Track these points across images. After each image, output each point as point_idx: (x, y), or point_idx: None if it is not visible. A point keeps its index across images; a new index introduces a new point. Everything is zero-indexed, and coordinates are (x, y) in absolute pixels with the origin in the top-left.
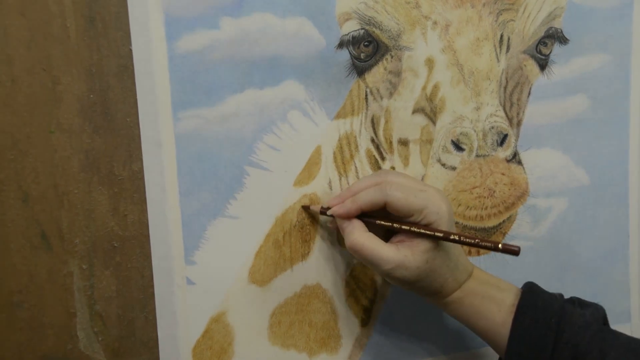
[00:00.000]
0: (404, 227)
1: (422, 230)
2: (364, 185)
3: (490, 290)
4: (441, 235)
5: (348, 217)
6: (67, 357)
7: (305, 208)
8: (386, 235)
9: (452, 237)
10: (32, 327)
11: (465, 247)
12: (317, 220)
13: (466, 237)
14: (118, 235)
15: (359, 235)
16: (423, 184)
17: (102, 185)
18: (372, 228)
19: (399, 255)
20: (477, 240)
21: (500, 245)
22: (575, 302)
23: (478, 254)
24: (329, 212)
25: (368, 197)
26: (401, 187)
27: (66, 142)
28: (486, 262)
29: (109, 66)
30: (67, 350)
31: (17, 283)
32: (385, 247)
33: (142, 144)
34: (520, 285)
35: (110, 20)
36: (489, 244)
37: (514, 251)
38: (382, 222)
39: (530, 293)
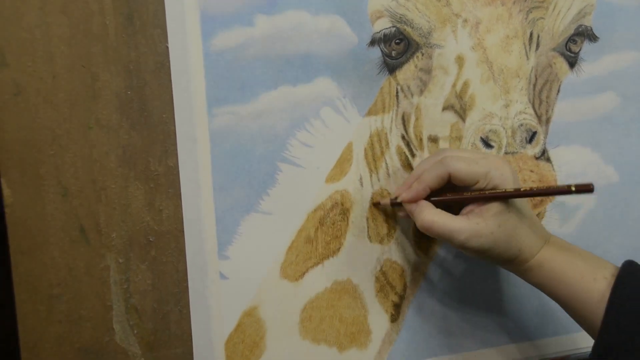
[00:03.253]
0: (471, 195)
1: (490, 193)
2: (426, 166)
3: (570, 257)
4: (511, 192)
5: (417, 198)
6: (104, 349)
7: (376, 204)
8: (455, 212)
9: (521, 191)
10: (70, 320)
11: None
12: (348, 216)
13: (535, 188)
14: (153, 229)
15: (427, 213)
16: (482, 152)
17: (139, 181)
18: (441, 208)
19: (470, 223)
20: (547, 188)
21: (573, 187)
22: None
23: None
24: (399, 199)
25: (432, 174)
26: (461, 158)
27: (104, 138)
28: None
29: (146, 63)
30: (103, 343)
31: (56, 276)
32: (457, 219)
33: (178, 140)
34: None
35: (148, 17)
36: (560, 189)
37: (588, 189)
38: (450, 196)
39: (633, 265)
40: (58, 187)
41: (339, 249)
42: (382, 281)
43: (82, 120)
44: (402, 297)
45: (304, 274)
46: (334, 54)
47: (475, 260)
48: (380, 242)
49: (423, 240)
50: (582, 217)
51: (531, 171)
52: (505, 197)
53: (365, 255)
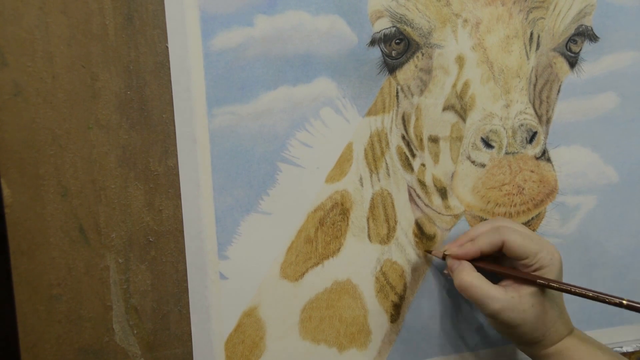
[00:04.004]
0: (512, 271)
1: (532, 276)
2: (482, 230)
3: (591, 349)
4: (555, 285)
5: (466, 257)
6: (104, 349)
7: (428, 252)
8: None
9: (570, 288)
10: (70, 320)
11: None
12: (348, 217)
13: (584, 290)
14: (153, 230)
15: (467, 275)
16: (533, 232)
17: (138, 181)
18: (482, 274)
19: (506, 296)
20: (596, 294)
21: (624, 302)
22: None
23: None
24: (446, 253)
25: (487, 240)
26: (517, 231)
27: (104, 138)
28: None
29: (146, 63)
30: (103, 343)
31: (56, 276)
32: (493, 287)
33: (177, 140)
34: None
35: (148, 18)
36: (612, 300)
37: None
38: (493, 266)
39: None
40: (58, 187)
41: (339, 249)
42: (382, 281)
43: (82, 120)
44: (402, 298)
45: (303, 274)
46: (334, 54)
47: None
48: (380, 242)
49: (423, 241)
50: (582, 217)
51: (532, 171)
52: (545, 287)
53: (365, 256)
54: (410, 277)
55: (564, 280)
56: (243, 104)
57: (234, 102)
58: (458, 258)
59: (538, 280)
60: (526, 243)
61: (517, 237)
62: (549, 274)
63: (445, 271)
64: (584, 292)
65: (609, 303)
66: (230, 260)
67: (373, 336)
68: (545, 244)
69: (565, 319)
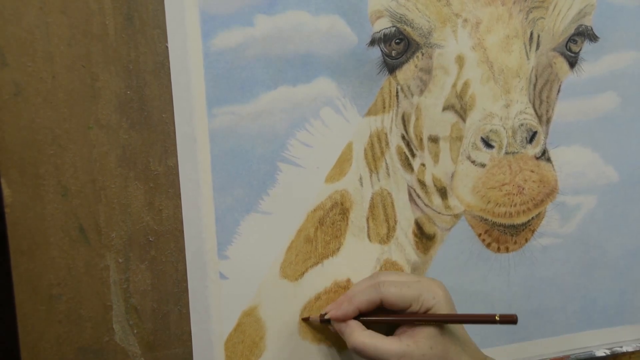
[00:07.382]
0: (397, 316)
1: (414, 316)
2: (359, 288)
3: None
4: (434, 316)
5: (345, 318)
6: (104, 349)
7: (305, 320)
8: (389, 333)
9: (447, 316)
10: (70, 320)
11: (494, 247)
12: (348, 216)
13: (461, 316)
14: (153, 229)
15: (358, 335)
16: (417, 276)
17: (138, 180)
18: (373, 328)
19: (401, 345)
20: (472, 316)
21: (497, 317)
22: None
23: (507, 250)
24: (326, 317)
25: (364, 297)
26: (394, 283)
27: (104, 138)
28: (515, 260)
29: (146, 63)
30: (103, 343)
31: (56, 276)
32: (387, 340)
33: (177, 139)
34: (548, 282)
35: (148, 17)
36: (486, 318)
37: (511, 320)
38: (379, 318)
39: None
40: (58, 187)
41: (338, 249)
42: None
43: (82, 120)
44: None
45: (303, 273)
46: (334, 54)
47: (475, 260)
48: (380, 242)
49: (422, 241)
50: (582, 217)
51: (532, 171)
52: (427, 321)
53: (364, 255)
54: None
55: (562, 281)
56: (243, 104)
57: (234, 102)
58: (337, 320)
59: (409, 315)
60: (404, 292)
61: (393, 289)
62: (437, 312)
63: (332, 329)
64: (456, 317)
65: (485, 322)
66: (230, 260)
67: None
68: (426, 284)
69: (472, 351)
